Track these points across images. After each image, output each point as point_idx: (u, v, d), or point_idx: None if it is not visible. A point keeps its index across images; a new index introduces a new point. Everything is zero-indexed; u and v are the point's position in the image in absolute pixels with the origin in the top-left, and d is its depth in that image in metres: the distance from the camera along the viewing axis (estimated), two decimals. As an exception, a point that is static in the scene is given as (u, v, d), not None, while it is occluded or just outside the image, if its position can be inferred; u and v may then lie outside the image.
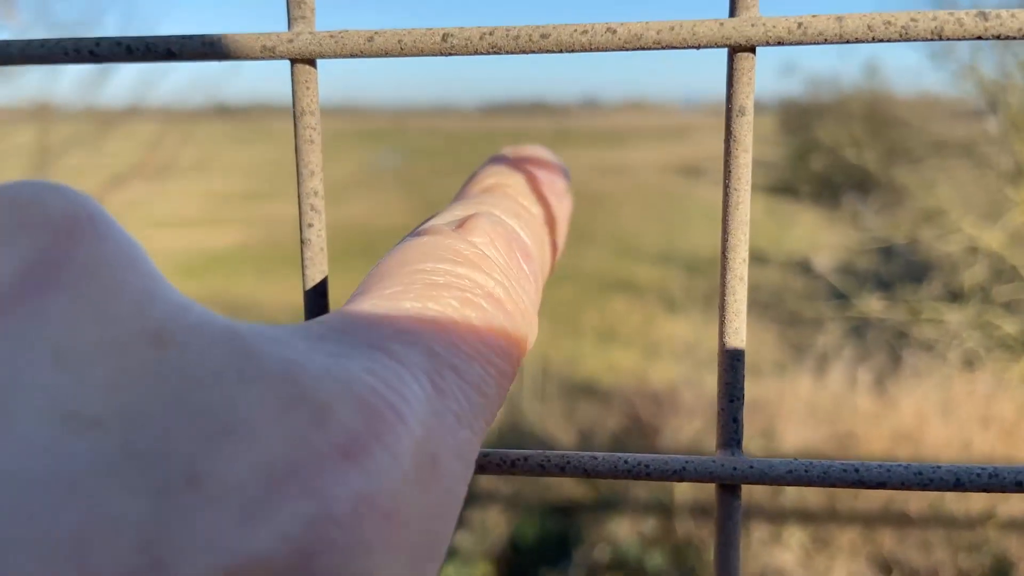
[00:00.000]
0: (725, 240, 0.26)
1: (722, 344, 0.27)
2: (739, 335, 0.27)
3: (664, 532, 4.94)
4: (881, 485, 0.27)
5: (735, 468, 0.28)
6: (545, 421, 6.60)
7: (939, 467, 0.27)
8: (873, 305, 8.96)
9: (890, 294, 9.27)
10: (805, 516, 4.76)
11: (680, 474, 0.29)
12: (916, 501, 4.58)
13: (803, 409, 5.44)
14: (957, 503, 4.40)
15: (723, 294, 0.27)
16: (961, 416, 5.39)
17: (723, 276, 0.27)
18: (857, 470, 0.27)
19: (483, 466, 0.32)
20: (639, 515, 5.04)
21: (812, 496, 4.81)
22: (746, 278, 0.27)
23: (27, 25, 4.91)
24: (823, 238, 12.18)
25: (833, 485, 0.27)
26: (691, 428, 5.34)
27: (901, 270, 9.47)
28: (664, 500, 4.97)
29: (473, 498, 5.57)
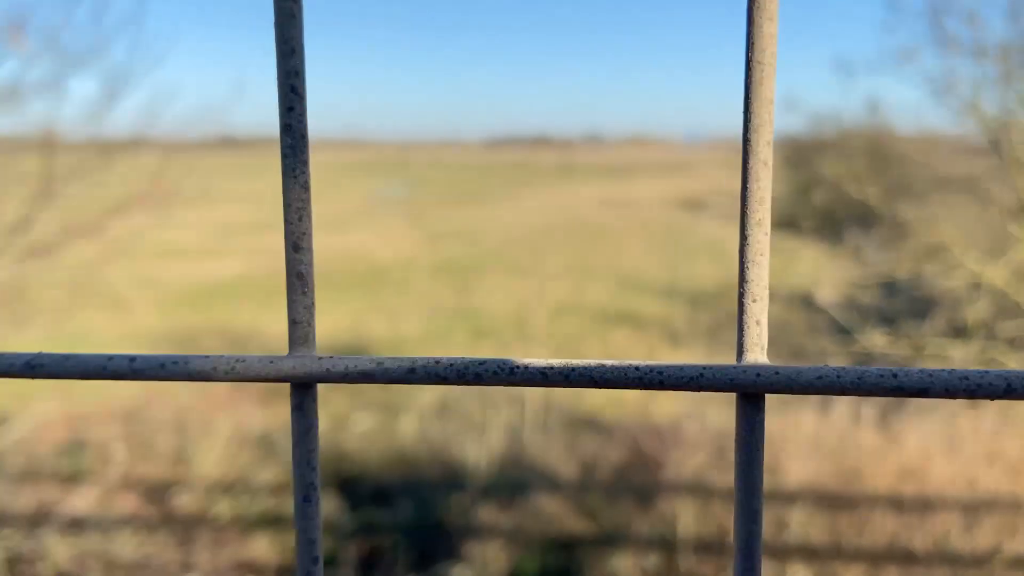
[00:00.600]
0: (747, 120, 0.24)
1: (743, 236, 0.25)
2: (763, 226, 0.25)
3: (666, 567, 4.86)
4: (923, 392, 0.24)
5: (758, 375, 0.25)
6: (547, 454, 6.54)
7: (987, 373, 0.24)
8: (876, 340, 8.90)
9: (893, 329, 9.23)
10: (810, 553, 4.69)
11: (697, 382, 0.26)
12: (922, 538, 4.50)
13: (808, 444, 5.38)
14: (963, 540, 4.34)
15: (745, 180, 0.24)
16: (966, 453, 5.33)
17: (745, 161, 0.24)
18: (895, 375, 0.24)
19: (479, 375, 0.29)
20: (641, 550, 4.96)
21: (816, 531, 4.74)
22: (771, 163, 0.24)
23: (35, 54, 4.96)
24: (826, 273, 12.17)
25: (869, 393, 0.24)
26: (694, 462, 5.29)
27: (904, 305, 9.46)
28: (667, 535, 4.90)
29: (472, 532, 5.50)
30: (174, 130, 5.00)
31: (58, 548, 4.75)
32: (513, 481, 6.16)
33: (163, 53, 5.08)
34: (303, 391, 0.42)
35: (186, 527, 5.77)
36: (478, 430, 7.78)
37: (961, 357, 7.64)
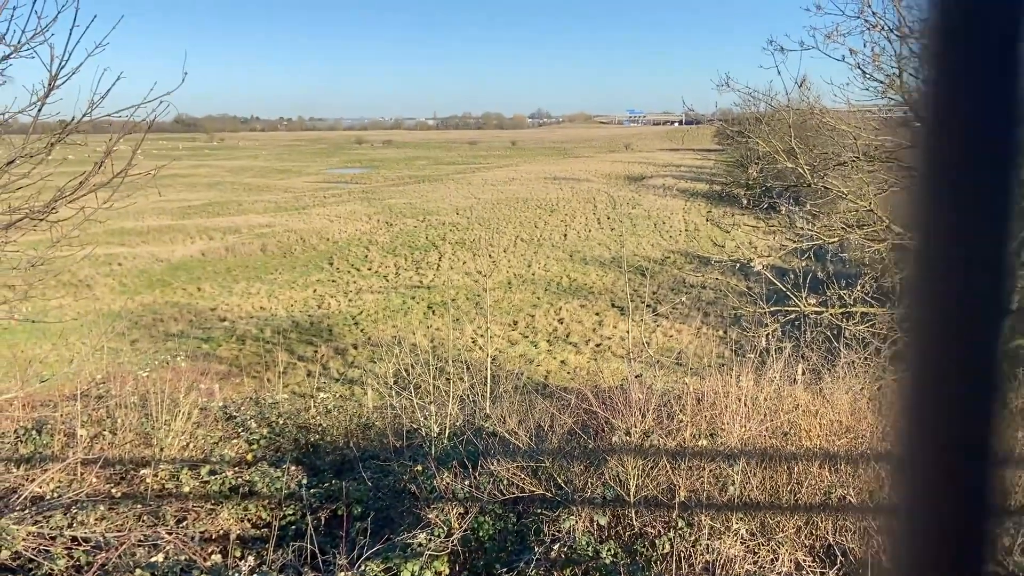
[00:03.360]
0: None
1: None
2: None
3: (619, 525, 4.88)
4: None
5: None
6: (502, 419, 6.50)
7: None
8: (809, 304, 9.03)
9: (824, 293, 9.38)
10: (749, 506, 4.73)
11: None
12: (854, 491, 4.57)
13: (746, 404, 5.42)
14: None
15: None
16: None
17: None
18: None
19: None
20: (595, 509, 4.96)
21: (755, 486, 4.79)
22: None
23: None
24: (761, 241, 12.31)
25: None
26: (642, 424, 5.30)
27: (834, 270, 9.61)
28: (621, 493, 4.90)
29: (431, 497, 5.44)
30: (124, 113, 4.77)
31: (18, 531, 4.57)
32: (472, 446, 6.12)
33: (105, 37, 4.82)
34: None
35: (151, 503, 5.61)
36: (437, 401, 7.71)
37: (888, 317, 7.77)
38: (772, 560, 4.35)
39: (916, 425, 0.49)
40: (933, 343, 0.48)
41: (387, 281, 29.24)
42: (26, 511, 4.87)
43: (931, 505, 0.49)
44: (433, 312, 24.43)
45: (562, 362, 19.21)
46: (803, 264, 9.67)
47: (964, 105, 0.47)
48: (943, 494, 0.48)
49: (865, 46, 7.83)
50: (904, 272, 0.50)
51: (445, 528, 4.82)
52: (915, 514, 0.49)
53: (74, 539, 4.83)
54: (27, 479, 5.38)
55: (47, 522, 4.84)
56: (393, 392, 8.64)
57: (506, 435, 5.89)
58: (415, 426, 7.50)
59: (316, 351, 20.63)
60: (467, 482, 5.29)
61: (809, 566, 4.33)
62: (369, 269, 31.08)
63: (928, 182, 0.47)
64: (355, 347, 21.22)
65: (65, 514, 5.00)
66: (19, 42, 4.59)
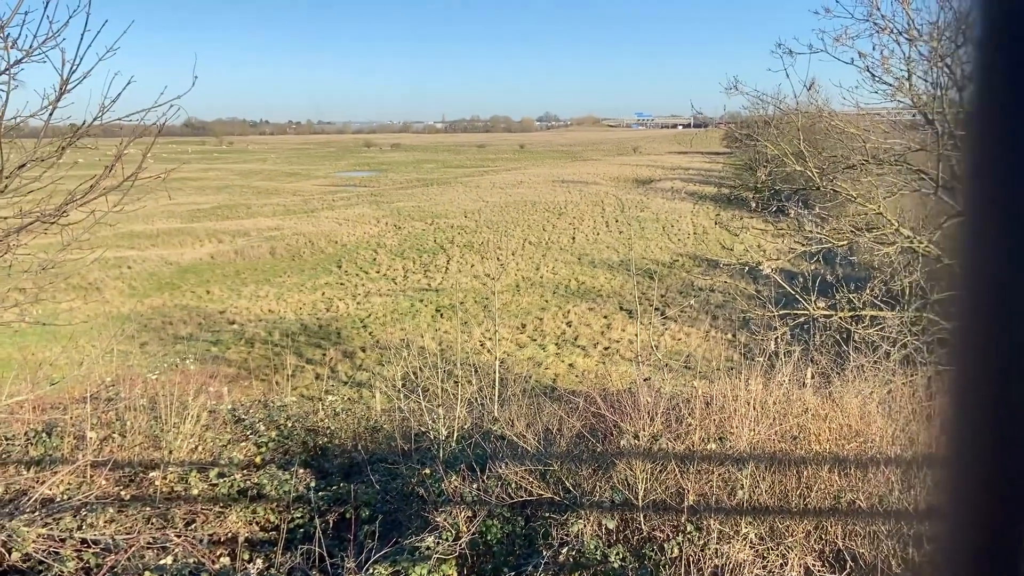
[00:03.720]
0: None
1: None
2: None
3: (628, 529, 4.86)
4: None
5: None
6: (510, 422, 6.50)
7: None
8: (818, 307, 9.00)
9: (833, 297, 9.35)
10: (758, 510, 4.71)
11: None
12: (864, 495, 4.54)
13: (755, 408, 5.41)
14: (903, 497, 4.38)
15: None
16: (904, 413, 5.40)
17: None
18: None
19: None
20: (603, 512, 4.95)
21: (764, 491, 4.77)
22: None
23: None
24: (770, 244, 12.27)
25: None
26: (651, 427, 5.28)
27: (843, 273, 9.58)
28: (629, 497, 4.89)
29: (439, 500, 5.44)
30: (134, 117, 4.80)
31: (28, 533, 4.60)
32: (482, 450, 6.11)
33: (116, 41, 4.85)
34: None
35: (160, 505, 5.63)
36: (445, 404, 7.72)
37: (897, 321, 7.73)
38: (781, 565, 4.33)
39: (961, 428, 0.49)
40: (980, 346, 0.48)
41: (395, 284, 29.28)
42: (36, 513, 4.89)
43: (973, 507, 0.49)
44: (441, 315, 24.45)
45: (570, 365, 19.19)
46: (812, 267, 9.63)
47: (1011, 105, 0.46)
48: (986, 497, 0.48)
49: (874, 49, 7.80)
50: (951, 274, 0.50)
51: (453, 531, 4.82)
52: (957, 516, 0.49)
53: (83, 541, 4.85)
54: (37, 481, 5.41)
55: (57, 524, 4.86)
56: (401, 395, 8.65)
57: (514, 438, 5.89)
58: (423, 429, 7.50)
59: (324, 354, 20.69)
60: (475, 485, 5.29)
61: (818, 571, 4.32)
62: (377, 272, 31.13)
63: (975, 178, 0.47)
64: (363, 350, 21.25)
65: (75, 516, 5.02)
66: (31, 46, 4.62)
